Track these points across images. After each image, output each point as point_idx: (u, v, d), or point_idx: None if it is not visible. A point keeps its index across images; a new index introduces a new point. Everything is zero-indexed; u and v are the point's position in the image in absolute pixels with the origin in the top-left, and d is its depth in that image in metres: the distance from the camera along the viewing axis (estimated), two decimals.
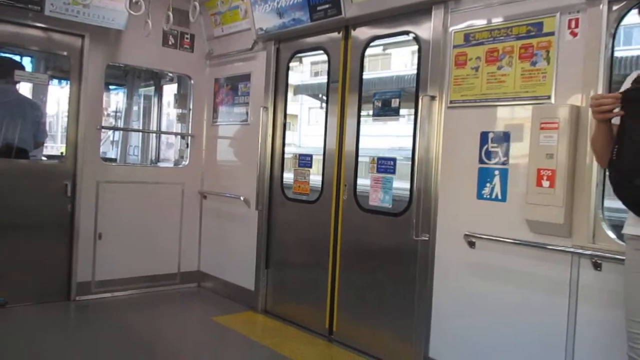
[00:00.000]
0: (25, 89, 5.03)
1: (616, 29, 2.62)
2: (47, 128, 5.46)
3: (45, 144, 5.17)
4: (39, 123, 4.72)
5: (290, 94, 4.32)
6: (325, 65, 4.17)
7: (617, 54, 2.78)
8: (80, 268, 4.65)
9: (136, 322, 4.29)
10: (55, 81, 5.70)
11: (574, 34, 2.71)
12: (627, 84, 2.15)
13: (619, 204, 2.13)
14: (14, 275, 4.29)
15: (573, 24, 2.71)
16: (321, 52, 4.29)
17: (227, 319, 4.40)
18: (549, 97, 2.78)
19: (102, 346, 3.72)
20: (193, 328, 4.32)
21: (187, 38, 5.18)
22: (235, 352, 3.81)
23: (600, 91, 2.59)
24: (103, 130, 5.22)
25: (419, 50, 3.50)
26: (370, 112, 3.83)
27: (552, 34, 2.78)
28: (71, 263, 4.62)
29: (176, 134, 6.12)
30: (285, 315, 4.43)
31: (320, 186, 4.16)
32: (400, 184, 3.78)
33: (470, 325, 3.11)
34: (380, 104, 3.73)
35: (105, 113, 7.14)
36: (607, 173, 2.11)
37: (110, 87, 6.95)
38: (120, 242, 4.84)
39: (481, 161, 3.06)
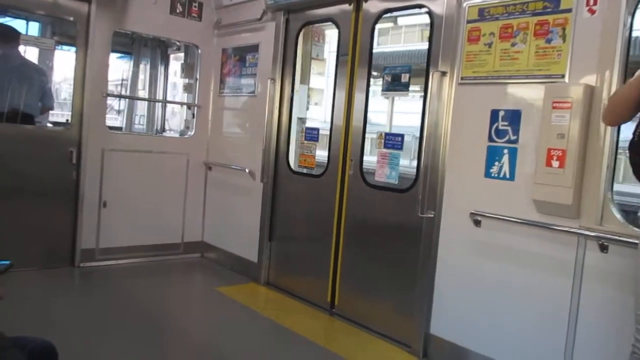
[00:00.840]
0: (32, 54, 4.98)
1: (636, 7, 2.55)
2: (55, 94, 5.43)
3: (51, 111, 5.14)
4: (44, 88, 4.68)
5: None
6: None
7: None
8: (84, 235, 4.67)
9: (139, 290, 4.32)
10: (66, 47, 5.64)
11: (592, 12, 2.65)
12: None
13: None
14: (18, 240, 4.31)
15: (591, 1, 2.64)
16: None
17: (230, 289, 4.43)
18: (562, 76, 2.73)
19: (105, 313, 3.75)
20: (196, 298, 4.35)
21: (195, 6, 5.10)
22: (238, 323, 3.83)
23: (616, 72, 2.54)
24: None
25: (431, 25, 3.44)
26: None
27: (569, 10, 2.71)
28: (75, 230, 4.64)
29: (182, 104, 6.08)
30: (288, 288, 4.45)
31: (326, 161, 4.14)
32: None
33: (473, 304, 3.12)
34: (390, 79, 3.68)
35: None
36: (628, 154, 2.06)
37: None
38: (124, 210, 4.85)
39: (490, 139, 3.02)
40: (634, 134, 2.02)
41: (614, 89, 2.53)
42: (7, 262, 1.85)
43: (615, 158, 2.62)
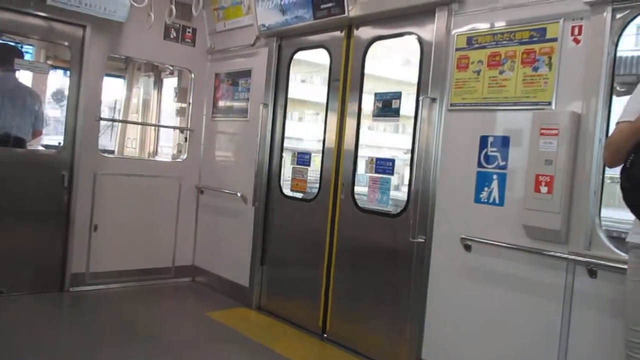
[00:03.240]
0: (27, 78, 5.00)
1: (619, 37, 2.62)
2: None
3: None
4: (37, 112, 4.69)
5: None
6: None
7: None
8: (75, 259, 4.63)
9: (130, 315, 4.28)
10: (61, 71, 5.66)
11: (577, 41, 2.71)
12: None
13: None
14: (8, 263, 4.28)
15: (576, 31, 2.71)
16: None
17: (221, 314, 4.39)
18: (549, 103, 2.78)
19: (95, 338, 3.70)
20: (186, 323, 4.31)
21: (188, 32, 5.16)
22: (228, 348, 3.80)
23: (601, 99, 2.59)
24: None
25: (421, 52, 3.50)
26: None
27: (555, 40, 2.78)
28: (66, 254, 4.60)
29: (175, 128, 6.10)
30: (279, 313, 4.42)
31: (317, 185, 4.16)
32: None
33: (464, 328, 3.11)
34: (380, 105, 3.72)
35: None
36: (619, 180, 2.10)
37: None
38: (115, 234, 4.83)
39: (480, 165, 3.06)
40: (625, 160, 2.05)
41: (599, 115, 2.59)
42: None
43: (602, 184, 2.66)
